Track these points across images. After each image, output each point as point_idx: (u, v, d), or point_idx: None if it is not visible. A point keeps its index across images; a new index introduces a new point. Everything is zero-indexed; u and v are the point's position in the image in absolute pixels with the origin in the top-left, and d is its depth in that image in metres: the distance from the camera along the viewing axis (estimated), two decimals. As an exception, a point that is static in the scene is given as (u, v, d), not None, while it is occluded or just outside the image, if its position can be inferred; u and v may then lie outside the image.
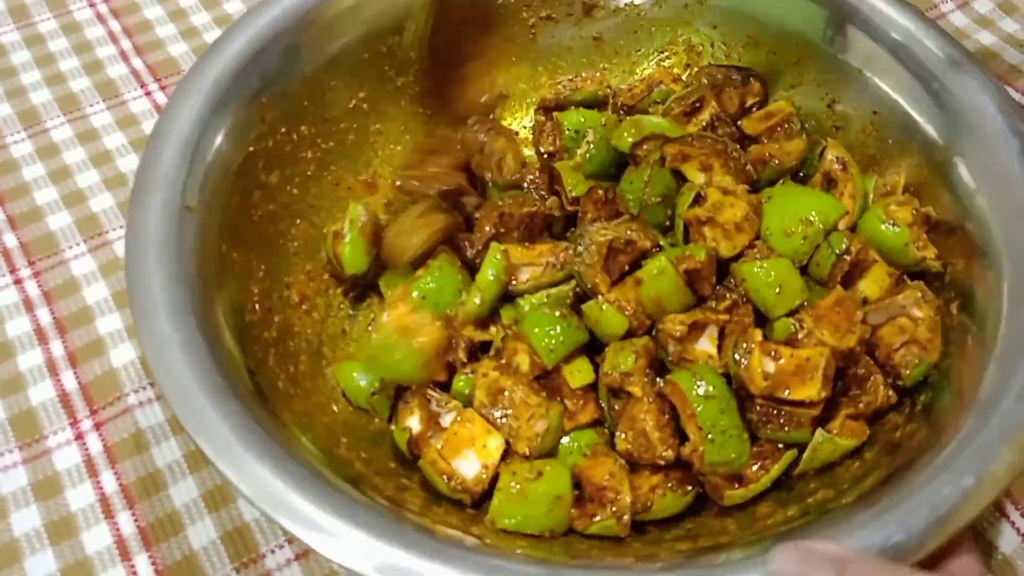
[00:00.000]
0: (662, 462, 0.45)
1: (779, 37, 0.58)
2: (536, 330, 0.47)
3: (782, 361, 0.44)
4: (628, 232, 0.48)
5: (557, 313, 0.48)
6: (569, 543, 0.43)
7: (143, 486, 0.51)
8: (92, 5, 0.75)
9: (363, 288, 0.55)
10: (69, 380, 0.55)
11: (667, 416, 0.45)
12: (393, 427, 0.49)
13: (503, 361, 0.47)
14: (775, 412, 0.44)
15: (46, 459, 0.52)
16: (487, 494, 0.45)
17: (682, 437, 0.45)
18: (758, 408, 0.45)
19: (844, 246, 0.48)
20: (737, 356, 0.44)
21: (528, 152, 0.61)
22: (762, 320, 0.48)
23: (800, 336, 0.46)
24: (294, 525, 0.36)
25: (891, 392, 0.46)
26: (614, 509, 0.44)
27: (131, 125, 0.67)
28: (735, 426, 0.44)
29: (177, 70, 0.71)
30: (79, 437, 0.53)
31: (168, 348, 0.40)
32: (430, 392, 0.49)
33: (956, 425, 0.40)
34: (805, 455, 0.45)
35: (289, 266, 0.52)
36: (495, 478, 0.45)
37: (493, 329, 0.50)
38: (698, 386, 0.44)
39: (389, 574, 0.35)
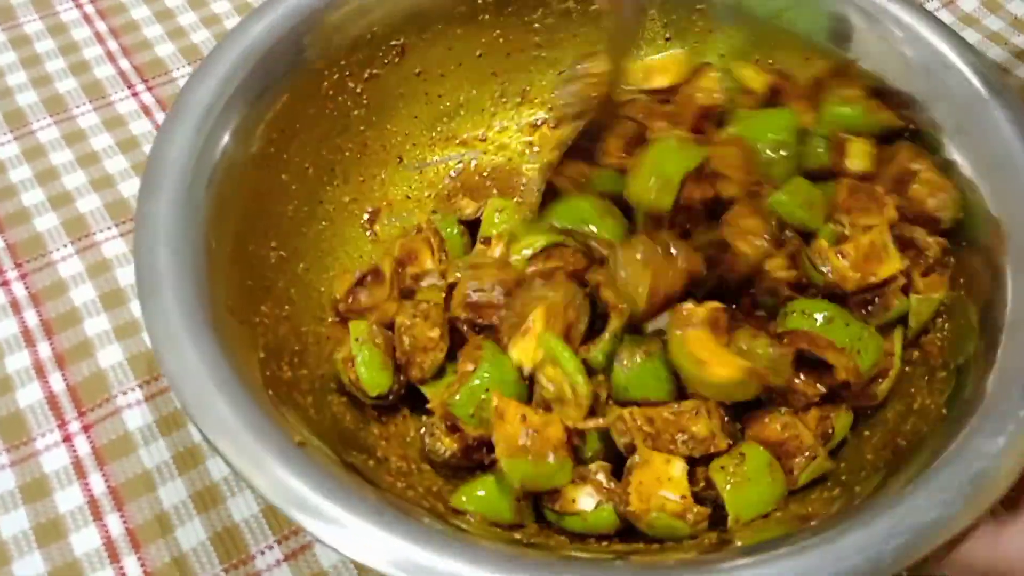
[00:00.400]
0: (817, 399, 0.46)
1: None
2: (647, 392, 0.46)
3: (852, 254, 0.47)
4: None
5: (641, 358, 0.47)
6: (800, 501, 0.45)
7: (132, 487, 0.51)
8: (79, 6, 0.75)
9: (390, 409, 0.51)
10: (57, 382, 0.55)
11: (797, 356, 0.46)
12: (581, 518, 0.45)
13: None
14: (871, 299, 0.47)
15: (34, 461, 0.52)
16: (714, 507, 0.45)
17: (817, 366, 0.46)
18: (856, 303, 0.48)
19: (824, 132, 0.52)
20: (819, 267, 0.47)
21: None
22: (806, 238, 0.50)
23: (847, 232, 0.48)
24: (307, 519, 0.36)
25: (939, 239, 0.49)
26: (807, 453, 0.45)
27: (118, 126, 0.67)
28: (862, 329, 0.46)
29: (164, 71, 0.71)
30: (67, 439, 0.52)
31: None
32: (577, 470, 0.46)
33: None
34: (911, 322, 0.48)
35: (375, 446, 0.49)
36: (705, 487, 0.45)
37: (607, 410, 0.47)
38: (816, 319, 0.45)
39: (404, 568, 0.35)
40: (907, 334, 0.49)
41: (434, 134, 0.60)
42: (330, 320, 0.52)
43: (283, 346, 0.48)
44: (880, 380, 0.48)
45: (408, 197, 0.58)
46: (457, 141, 0.61)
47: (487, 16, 0.59)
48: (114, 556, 0.48)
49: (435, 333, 0.49)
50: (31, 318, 0.57)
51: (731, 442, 0.46)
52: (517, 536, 0.44)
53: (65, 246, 0.60)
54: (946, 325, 0.48)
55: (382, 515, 0.37)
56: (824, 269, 0.47)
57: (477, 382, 0.45)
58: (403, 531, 0.37)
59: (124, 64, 0.71)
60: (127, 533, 0.49)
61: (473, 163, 0.61)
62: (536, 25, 0.60)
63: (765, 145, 0.51)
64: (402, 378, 0.50)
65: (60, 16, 0.74)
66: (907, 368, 0.49)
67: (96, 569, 0.48)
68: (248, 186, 0.50)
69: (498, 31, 0.60)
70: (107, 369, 0.55)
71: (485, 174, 0.61)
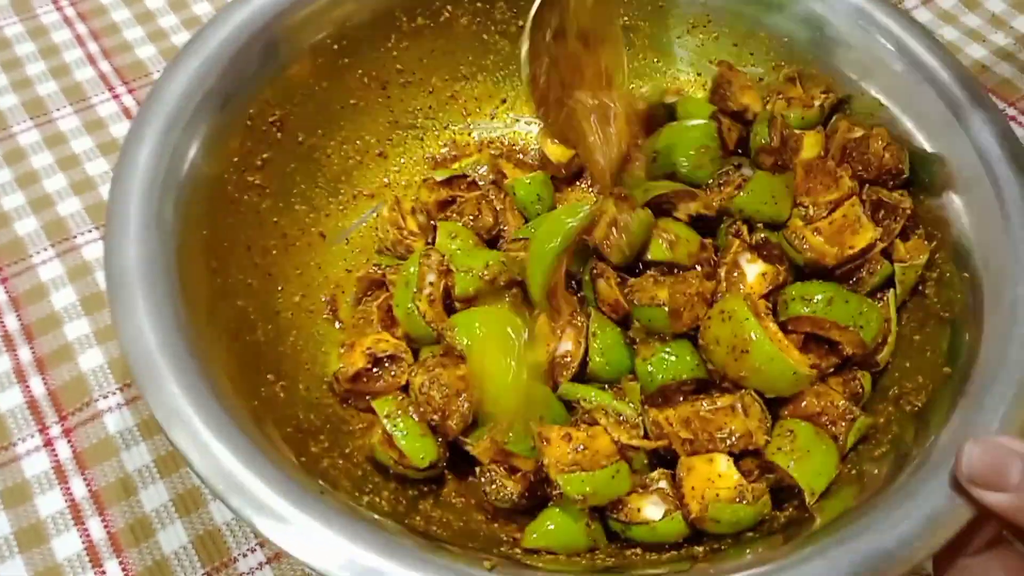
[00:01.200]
0: (831, 370, 0.48)
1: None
2: (676, 373, 0.47)
3: (827, 230, 0.49)
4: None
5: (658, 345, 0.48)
6: (855, 460, 0.46)
7: (113, 491, 0.51)
8: (59, 8, 0.74)
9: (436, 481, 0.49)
10: (37, 386, 0.54)
11: (804, 337, 0.48)
12: (649, 528, 0.44)
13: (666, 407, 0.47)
14: (855, 269, 0.49)
15: (15, 466, 0.51)
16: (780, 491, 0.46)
17: (823, 340, 0.48)
18: (843, 276, 0.49)
19: (768, 116, 0.54)
20: (796, 244, 0.49)
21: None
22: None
23: (812, 213, 0.51)
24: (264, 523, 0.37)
25: (905, 194, 0.52)
26: (848, 416, 0.47)
27: (99, 129, 0.67)
28: (861, 302, 0.47)
29: (145, 73, 0.70)
30: (48, 443, 0.52)
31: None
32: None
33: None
34: (898, 289, 0.50)
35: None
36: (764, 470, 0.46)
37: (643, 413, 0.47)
38: (815, 302, 0.46)
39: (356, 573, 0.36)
40: (897, 298, 0.50)
41: (340, 197, 0.58)
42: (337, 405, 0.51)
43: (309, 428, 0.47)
44: (881, 348, 0.49)
45: (348, 271, 0.56)
46: (365, 194, 0.59)
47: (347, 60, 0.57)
48: (96, 561, 0.48)
49: (462, 371, 0.48)
50: (11, 322, 0.57)
51: (768, 438, 0.46)
52: (597, 561, 0.44)
53: (45, 249, 0.60)
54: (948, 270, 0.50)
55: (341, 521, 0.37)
56: (804, 248, 0.49)
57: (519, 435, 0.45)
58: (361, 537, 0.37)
59: (105, 66, 0.71)
60: (109, 537, 0.49)
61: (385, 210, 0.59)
62: (395, 53, 0.59)
63: (685, 156, 0.53)
64: (440, 439, 0.48)
65: (40, 19, 0.74)
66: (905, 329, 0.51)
67: (78, 574, 0.48)
68: (209, 315, 0.47)
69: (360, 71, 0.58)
70: (88, 373, 0.55)
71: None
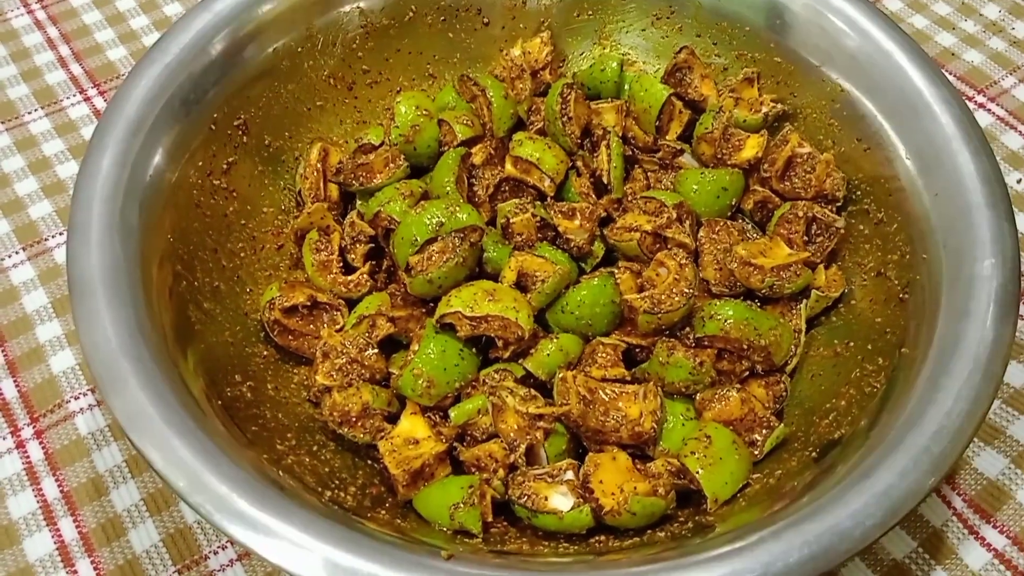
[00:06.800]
0: (745, 374, 0.51)
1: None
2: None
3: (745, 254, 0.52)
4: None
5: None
6: (769, 468, 0.47)
7: (85, 492, 0.51)
8: (30, 12, 0.74)
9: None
10: (9, 388, 0.55)
11: (716, 350, 0.50)
12: (556, 517, 0.44)
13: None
14: (781, 275, 0.51)
15: (-13, 468, 0.52)
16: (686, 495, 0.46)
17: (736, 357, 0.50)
18: (767, 283, 0.51)
19: (712, 120, 0.57)
20: (734, 267, 0.51)
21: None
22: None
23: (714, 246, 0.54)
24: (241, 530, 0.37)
25: (835, 214, 0.54)
26: (769, 421, 0.48)
27: (70, 131, 0.67)
28: (772, 322, 0.49)
29: (116, 74, 0.70)
30: (20, 445, 0.53)
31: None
32: (529, 474, 0.46)
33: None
34: (805, 311, 0.52)
35: None
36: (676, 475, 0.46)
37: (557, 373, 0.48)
38: (729, 321, 0.48)
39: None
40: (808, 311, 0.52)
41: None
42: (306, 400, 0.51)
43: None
44: (789, 362, 0.51)
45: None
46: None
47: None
48: (68, 561, 0.49)
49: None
50: (-17, 326, 0.57)
51: (656, 426, 0.47)
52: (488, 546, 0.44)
53: (16, 253, 0.60)
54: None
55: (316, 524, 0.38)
56: (735, 267, 0.51)
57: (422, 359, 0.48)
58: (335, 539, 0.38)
59: (76, 69, 0.71)
60: (80, 537, 0.49)
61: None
62: (360, 54, 0.60)
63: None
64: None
65: (11, 22, 0.74)
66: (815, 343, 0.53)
67: (50, 574, 0.48)
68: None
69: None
70: (59, 375, 0.55)
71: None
